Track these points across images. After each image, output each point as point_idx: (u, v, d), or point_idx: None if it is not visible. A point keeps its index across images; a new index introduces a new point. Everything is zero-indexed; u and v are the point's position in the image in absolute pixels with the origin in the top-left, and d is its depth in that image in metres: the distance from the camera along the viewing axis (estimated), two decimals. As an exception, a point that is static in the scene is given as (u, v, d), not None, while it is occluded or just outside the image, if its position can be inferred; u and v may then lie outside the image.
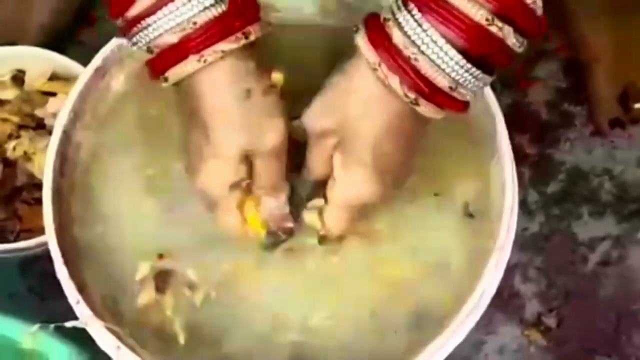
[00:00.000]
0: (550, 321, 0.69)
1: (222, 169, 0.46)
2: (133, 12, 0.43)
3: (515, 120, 0.73)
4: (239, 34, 0.43)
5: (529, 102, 0.75)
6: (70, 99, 0.51)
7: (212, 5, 0.42)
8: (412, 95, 0.41)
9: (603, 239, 0.71)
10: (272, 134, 0.45)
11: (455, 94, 0.42)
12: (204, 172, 0.46)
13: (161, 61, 0.44)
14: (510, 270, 0.69)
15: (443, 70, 0.40)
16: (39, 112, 0.67)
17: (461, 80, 0.41)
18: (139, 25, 0.43)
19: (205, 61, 0.43)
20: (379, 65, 0.41)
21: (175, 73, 0.43)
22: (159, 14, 0.42)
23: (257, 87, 0.45)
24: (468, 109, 0.43)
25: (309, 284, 0.49)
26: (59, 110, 0.51)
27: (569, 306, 0.69)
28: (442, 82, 0.41)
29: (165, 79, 0.44)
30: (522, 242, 0.70)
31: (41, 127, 0.67)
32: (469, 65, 0.40)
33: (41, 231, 0.53)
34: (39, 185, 0.63)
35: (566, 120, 0.74)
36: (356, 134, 0.44)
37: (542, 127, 0.74)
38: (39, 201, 0.63)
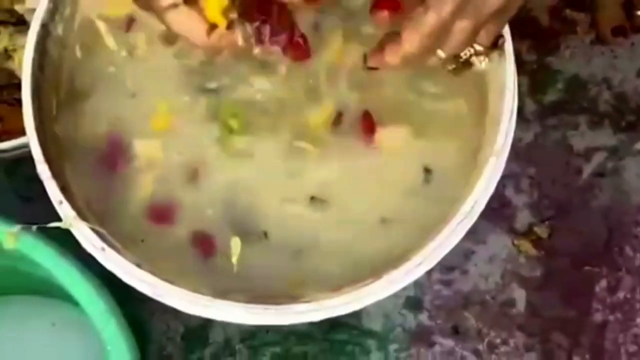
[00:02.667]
0: (542, 231, 0.68)
1: None
2: None
3: (515, 26, 0.70)
4: None
5: (529, 7, 0.72)
6: (48, -10, 0.49)
7: None
8: None
9: (599, 150, 0.70)
10: None
11: None
12: None
13: None
14: (502, 180, 0.68)
15: None
16: (18, 8, 0.64)
17: None
18: None
19: None
20: None
21: None
22: None
23: None
24: None
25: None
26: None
27: (561, 217, 0.68)
28: None
29: None
30: (515, 152, 0.69)
31: (22, 22, 0.65)
32: None
33: (23, 132, 0.51)
34: (20, 85, 0.60)
35: (568, 27, 0.72)
36: None
37: (542, 34, 0.72)
38: (20, 102, 0.61)
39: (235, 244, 0.47)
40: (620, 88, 0.71)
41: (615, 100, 0.71)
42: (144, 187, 0.49)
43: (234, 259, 0.46)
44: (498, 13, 0.40)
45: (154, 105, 0.50)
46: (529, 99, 0.70)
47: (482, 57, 0.43)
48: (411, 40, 0.40)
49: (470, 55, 0.43)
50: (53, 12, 0.49)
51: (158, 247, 0.48)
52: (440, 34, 0.39)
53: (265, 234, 0.48)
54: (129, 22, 0.51)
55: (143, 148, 0.50)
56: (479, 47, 0.42)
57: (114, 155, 0.50)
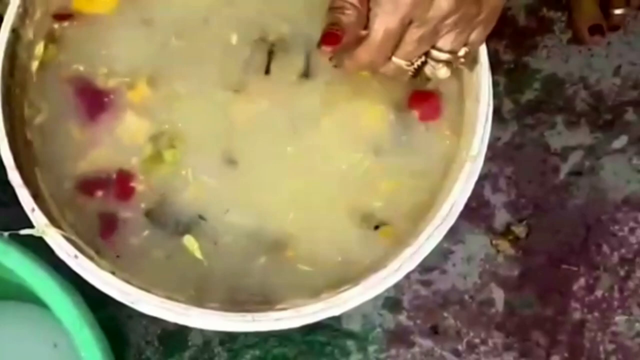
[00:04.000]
0: (520, 230, 0.68)
1: None
2: None
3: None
4: None
5: (507, 7, 0.72)
6: (17, -6, 0.48)
7: None
8: None
9: (576, 149, 0.70)
10: None
11: None
12: None
13: None
14: (480, 180, 0.68)
15: None
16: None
17: None
18: None
19: None
20: None
21: None
22: None
23: None
24: None
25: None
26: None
27: (539, 216, 0.69)
28: None
29: None
30: (493, 152, 0.69)
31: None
32: None
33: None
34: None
35: (545, 27, 0.72)
36: None
37: (519, 33, 0.72)
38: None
39: (189, 241, 0.47)
40: (597, 87, 0.71)
41: (592, 99, 0.71)
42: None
43: (199, 255, 0.47)
44: (458, 22, 0.42)
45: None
46: (506, 98, 0.70)
47: (440, 65, 0.44)
48: (362, 56, 0.44)
49: (423, 64, 0.44)
50: (23, 16, 0.48)
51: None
52: (390, 46, 0.43)
53: (201, 217, 0.48)
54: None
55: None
56: (441, 55, 0.44)
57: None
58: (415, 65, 0.44)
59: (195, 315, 0.44)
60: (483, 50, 0.46)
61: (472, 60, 0.45)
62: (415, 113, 0.49)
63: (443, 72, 0.44)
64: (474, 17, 0.43)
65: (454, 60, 0.44)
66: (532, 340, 0.67)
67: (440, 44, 0.43)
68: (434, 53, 0.44)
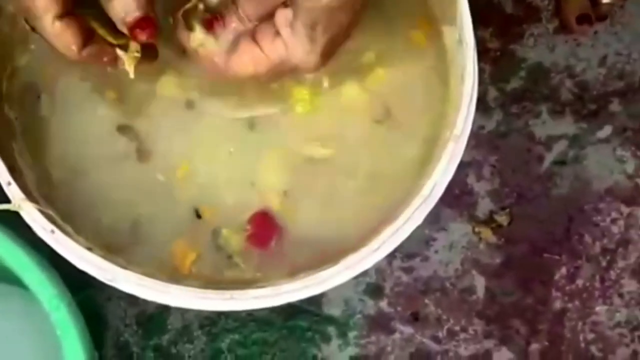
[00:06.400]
0: (502, 219, 0.68)
1: None
2: None
3: (478, 12, 0.70)
4: None
5: (494, -6, 0.72)
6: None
7: None
8: None
9: (560, 138, 0.70)
10: None
11: None
12: None
13: None
14: (464, 168, 0.68)
15: None
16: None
17: None
18: None
19: None
20: None
21: None
22: None
23: None
24: None
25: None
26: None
27: (522, 205, 0.68)
28: None
29: None
30: (477, 140, 0.69)
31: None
32: None
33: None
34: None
35: (531, 15, 0.72)
36: None
37: (505, 21, 0.71)
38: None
39: None
40: (582, 77, 0.71)
41: (577, 88, 0.71)
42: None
43: None
44: None
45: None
46: (491, 86, 0.70)
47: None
48: None
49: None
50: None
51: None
52: None
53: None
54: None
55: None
56: None
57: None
58: None
59: (173, 293, 0.43)
60: (469, 30, 0.45)
61: None
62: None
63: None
64: None
65: None
66: (513, 328, 0.67)
67: None
68: None
